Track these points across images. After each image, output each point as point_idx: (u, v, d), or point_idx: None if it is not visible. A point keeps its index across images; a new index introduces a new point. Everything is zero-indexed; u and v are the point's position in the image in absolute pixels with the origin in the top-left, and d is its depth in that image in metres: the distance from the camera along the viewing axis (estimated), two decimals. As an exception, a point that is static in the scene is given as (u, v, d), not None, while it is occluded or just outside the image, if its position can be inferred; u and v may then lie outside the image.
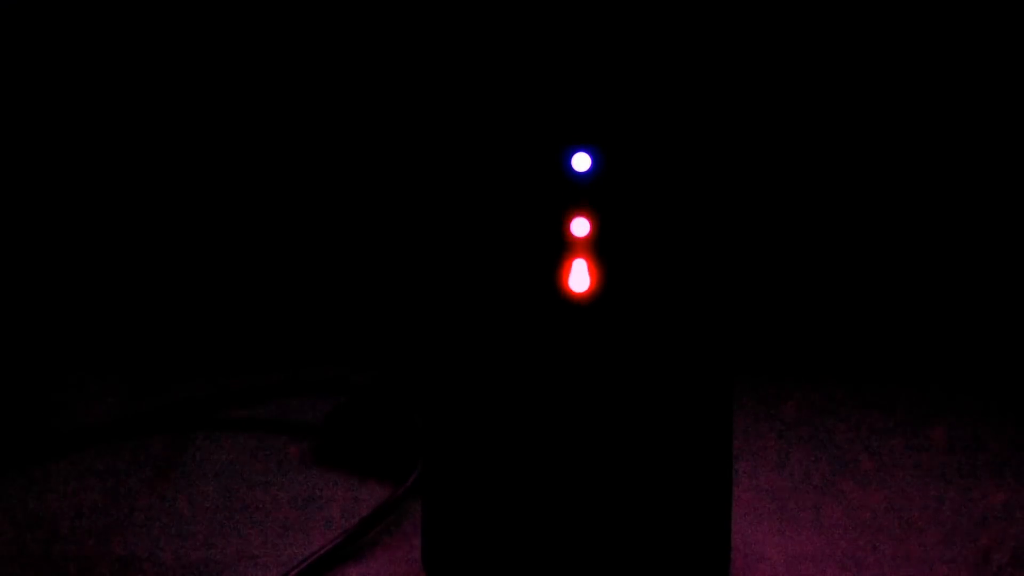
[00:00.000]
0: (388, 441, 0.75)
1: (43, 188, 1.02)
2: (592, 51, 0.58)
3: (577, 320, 0.59)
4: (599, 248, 0.58)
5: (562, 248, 0.58)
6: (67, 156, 1.02)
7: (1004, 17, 0.97)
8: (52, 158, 1.02)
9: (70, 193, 1.02)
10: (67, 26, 1.00)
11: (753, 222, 0.98)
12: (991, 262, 0.99)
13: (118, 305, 1.01)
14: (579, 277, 0.58)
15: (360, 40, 0.99)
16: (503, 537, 0.60)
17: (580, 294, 0.58)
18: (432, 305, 0.60)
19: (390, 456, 0.75)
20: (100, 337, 0.97)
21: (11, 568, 0.64)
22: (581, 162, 0.58)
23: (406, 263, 0.93)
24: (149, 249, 1.03)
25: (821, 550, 0.66)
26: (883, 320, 0.98)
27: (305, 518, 0.70)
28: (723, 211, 0.59)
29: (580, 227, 0.58)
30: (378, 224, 1.01)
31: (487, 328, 0.59)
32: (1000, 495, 0.73)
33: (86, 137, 1.02)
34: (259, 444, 0.79)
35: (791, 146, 0.99)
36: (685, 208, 0.59)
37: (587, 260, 0.58)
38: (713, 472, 0.61)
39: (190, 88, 1.01)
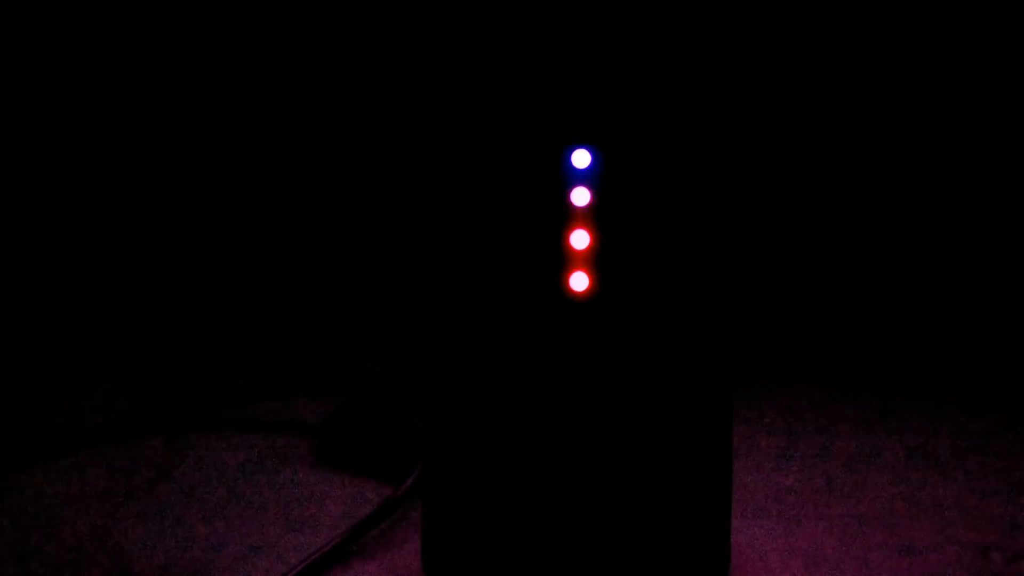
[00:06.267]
0: (388, 441, 0.75)
1: (42, 188, 1.02)
2: (593, 50, 0.58)
3: (577, 319, 0.58)
4: (599, 248, 0.58)
5: (563, 258, 0.58)
6: (67, 156, 1.02)
7: (1004, 17, 0.97)
8: (52, 158, 1.02)
9: (69, 193, 1.02)
10: (67, 25, 1.00)
11: (752, 221, 0.98)
12: (990, 261, 0.99)
13: (117, 305, 1.01)
14: (579, 276, 0.58)
15: (361, 39, 0.99)
16: (502, 537, 0.60)
17: (580, 293, 0.58)
18: (432, 305, 0.60)
19: (390, 456, 0.75)
20: (99, 337, 0.97)
21: (10, 568, 0.64)
22: (581, 159, 0.58)
23: (406, 262, 0.93)
24: (148, 249, 1.03)
25: (820, 548, 0.66)
26: (883, 319, 0.98)
27: (304, 518, 0.70)
28: (722, 210, 0.59)
29: (581, 200, 0.58)
30: (377, 223, 1.01)
31: (487, 327, 0.59)
32: (1002, 494, 0.73)
33: (86, 137, 1.02)
34: (259, 444, 0.79)
35: (789, 146, 0.99)
36: (684, 206, 0.59)
37: (587, 260, 0.58)
38: (713, 472, 0.60)
39: (190, 88, 1.01)
